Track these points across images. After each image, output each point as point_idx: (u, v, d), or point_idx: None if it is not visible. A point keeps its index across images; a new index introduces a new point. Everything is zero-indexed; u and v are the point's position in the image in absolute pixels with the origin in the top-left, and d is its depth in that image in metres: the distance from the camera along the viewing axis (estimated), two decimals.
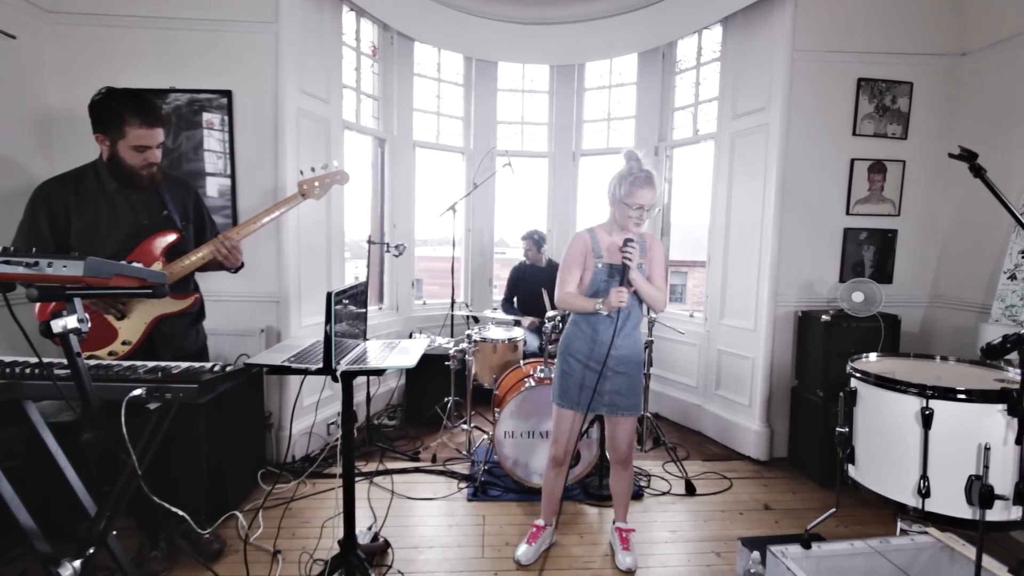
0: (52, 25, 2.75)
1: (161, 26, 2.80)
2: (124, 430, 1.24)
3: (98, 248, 1.85)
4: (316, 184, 2.17)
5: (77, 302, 1.13)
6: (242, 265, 2.12)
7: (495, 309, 3.88)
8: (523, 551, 2.24)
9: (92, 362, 1.48)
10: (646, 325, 3.47)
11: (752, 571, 1.98)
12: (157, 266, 1.92)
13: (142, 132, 1.83)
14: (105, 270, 1.15)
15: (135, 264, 1.28)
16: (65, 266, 1.10)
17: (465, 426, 3.40)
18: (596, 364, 2.09)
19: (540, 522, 2.33)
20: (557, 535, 2.45)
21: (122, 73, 2.80)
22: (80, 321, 1.13)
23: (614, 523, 2.34)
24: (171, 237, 1.97)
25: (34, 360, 1.36)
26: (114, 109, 1.81)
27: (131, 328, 1.92)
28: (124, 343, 1.91)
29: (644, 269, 2.12)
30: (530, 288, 4.05)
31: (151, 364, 1.49)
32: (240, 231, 2.08)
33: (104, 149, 1.89)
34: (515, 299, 4.27)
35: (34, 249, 1.15)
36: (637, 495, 2.81)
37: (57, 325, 1.10)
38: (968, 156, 1.56)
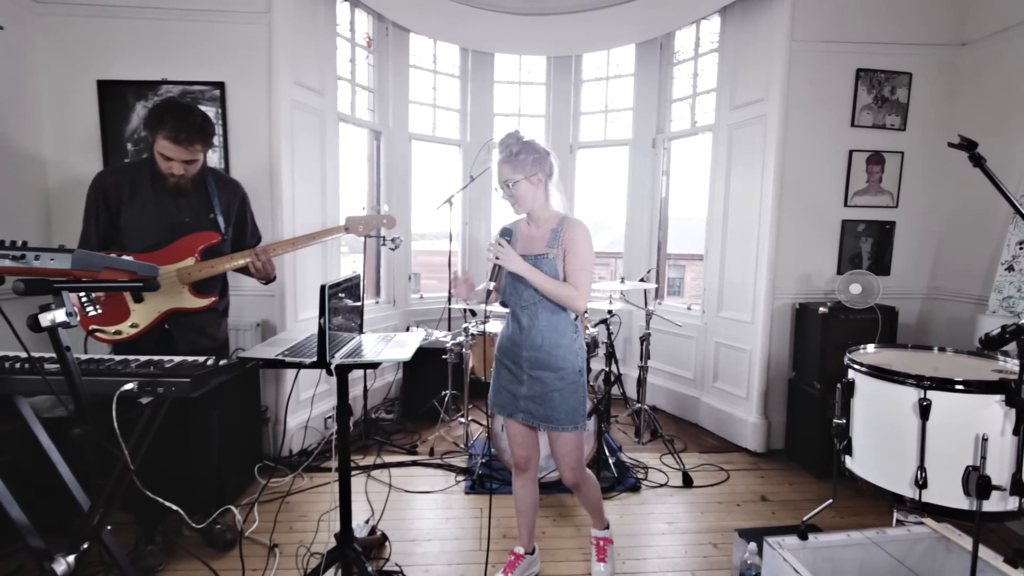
0: (41, 16, 2.71)
1: (152, 17, 2.76)
2: (116, 424, 1.22)
3: (141, 236, 1.97)
4: (361, 224, 2.24)
5: (65, 296, 1.12)
6: (274, 279, 2.19)
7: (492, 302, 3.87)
8: None
9: (84, 356, 1.47)
10: (641, 319, 3.47)
11: (749, 562, 1.98)
12: (190, 261, 1.99)
13: (166, 144, 1.91)
14: (93, 263, 1.13)
15: (125, 257, 1.26)
16: (52, 259, 1.08)
17: (463, 419, 3.40)
18: (513, 364, 1.88)
19: (519, 549, 2.07)
20: (554, 527, 2.45)
21: (113, 65, 2.77)
22: (69, 315, 1.11)
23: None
24: (212, 239, 2.05)
25: (24, 355, 1.35)
26: (160, 114, 1.91)
27: (143, 313, 1.96)
28: (132, 325, 1.95)
29: (556, 260, 1.80)
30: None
31: (144, 358, 1.48)
32: (278, 247, 2.13)
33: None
34: None
35: (24, 242, 1.14)
36: (634, 487, 2.81)
37: (45, 319, 1.08)
38: (968, 145, 1.55)
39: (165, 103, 1.99)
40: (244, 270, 2.11)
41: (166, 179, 1.98)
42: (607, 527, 2.16)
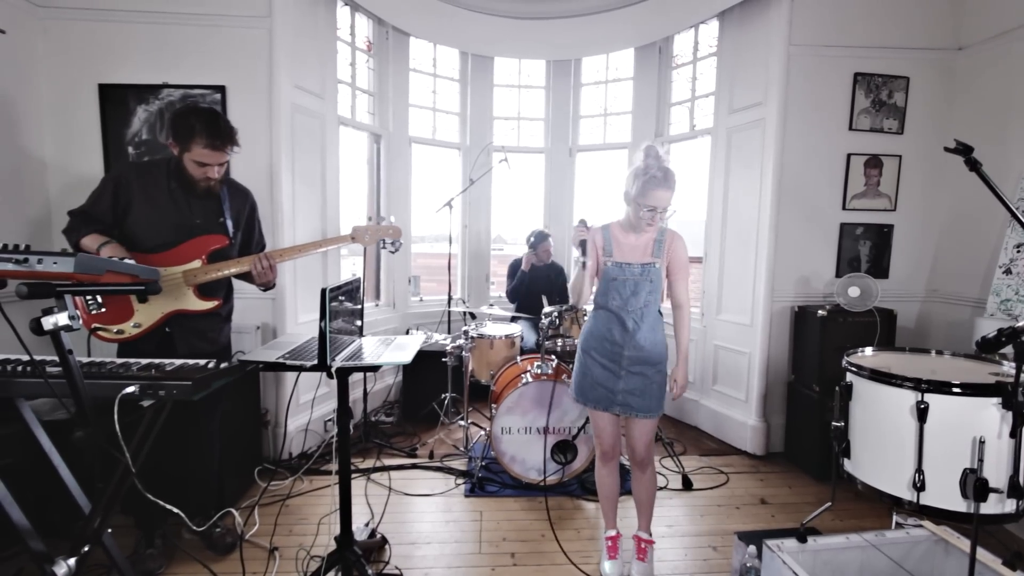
0: (42, 20, 2.72)
1: (153, 21, 2.78)
2: (117, 427, 1.23)
3: (151, 235, 1.99)
4: (368, 234, 2.25)
5: (68, 299, 1.12)
6: (274, 286, 2.20)
7: (491, 305, 3.87)
8: (610, 567, 2.13)
9: (85, 359, 1.47)
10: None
11: (748, 565, 1.98)
12: (197, 264, 2.00)
13: (205, 152, 1.93)
14: (96, 267, 1.14)
15: (127, 260, 1.27)
16: (55, 262, 1.09)
17: (462, 422, 3.40)
18: (610, 362, 2.02)
19: (612, 532, 2.21)
20: (556, 530, 2.46)
21: (115, 69, 2.78)
22: (71, 318, 1.12)
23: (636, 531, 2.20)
24: (220, 242, 2.06)
25: (26, 358, 1.35)
26: (190, 125, 1.92)
27: (147, 313, 1.96)
28: (136, 325, 1.95)
29: (661, 268, 2.01)
30: (538, 287, 4.04)
31: (145, 361, 1.48)
32: (283, 254, 2.13)
33: (174, 154, 1.99)
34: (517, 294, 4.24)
35: (27, 246, 1.14)
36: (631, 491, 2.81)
37: (48, 323, 1.09)
38: (964, 150, 1.55)
39: (187, 111, 1.96)
40: (246, 276, 2.11)
41: (197, 184, 2.00)
42: (650, 534, 2.21)
